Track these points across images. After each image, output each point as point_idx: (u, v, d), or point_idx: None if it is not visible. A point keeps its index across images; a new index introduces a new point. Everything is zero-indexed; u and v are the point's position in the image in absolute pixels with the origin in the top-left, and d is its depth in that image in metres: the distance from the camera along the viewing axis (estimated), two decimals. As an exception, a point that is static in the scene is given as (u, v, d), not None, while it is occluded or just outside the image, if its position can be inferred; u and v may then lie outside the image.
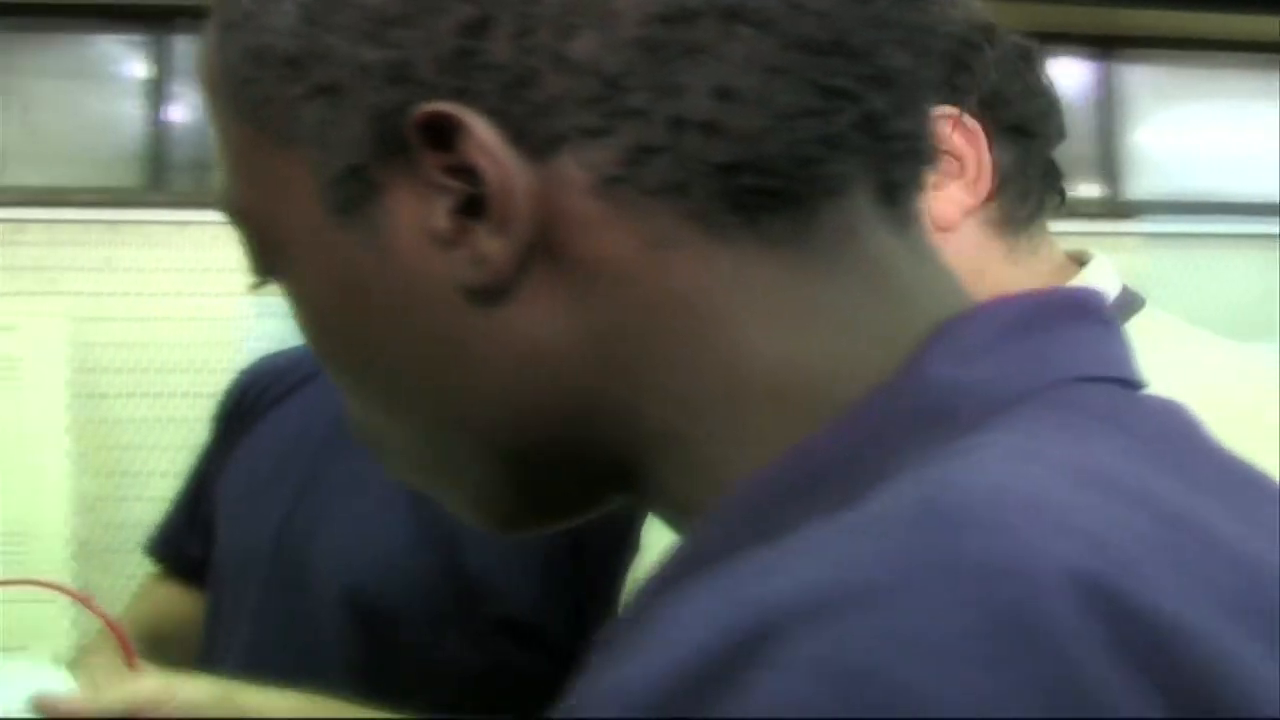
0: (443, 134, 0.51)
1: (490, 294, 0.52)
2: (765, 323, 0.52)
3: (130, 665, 1.33)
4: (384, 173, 0.53)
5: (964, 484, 0.42)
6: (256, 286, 0.59)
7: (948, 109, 1.03)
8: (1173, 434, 0.52)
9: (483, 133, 0.50)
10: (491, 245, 0.51)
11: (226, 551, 1.59)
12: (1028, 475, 0.43)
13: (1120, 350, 0.55)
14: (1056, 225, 1.11)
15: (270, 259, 0.58)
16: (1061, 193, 1.10)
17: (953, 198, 1.03)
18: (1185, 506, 0.44)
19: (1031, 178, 1.07)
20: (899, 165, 0.54)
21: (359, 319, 0.56)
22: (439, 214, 0.52)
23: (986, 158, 1.04)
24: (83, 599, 1.27)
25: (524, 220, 0.51)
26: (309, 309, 0.58)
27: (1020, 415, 0.48)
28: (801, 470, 0.50)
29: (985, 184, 1.04)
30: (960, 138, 1.03)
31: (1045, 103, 1.07)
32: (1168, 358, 1.03)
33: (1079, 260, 1.10)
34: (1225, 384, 1.01)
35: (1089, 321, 0.54)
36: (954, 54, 1.03)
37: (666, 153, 0.50)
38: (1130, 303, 1.08)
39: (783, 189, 0.51)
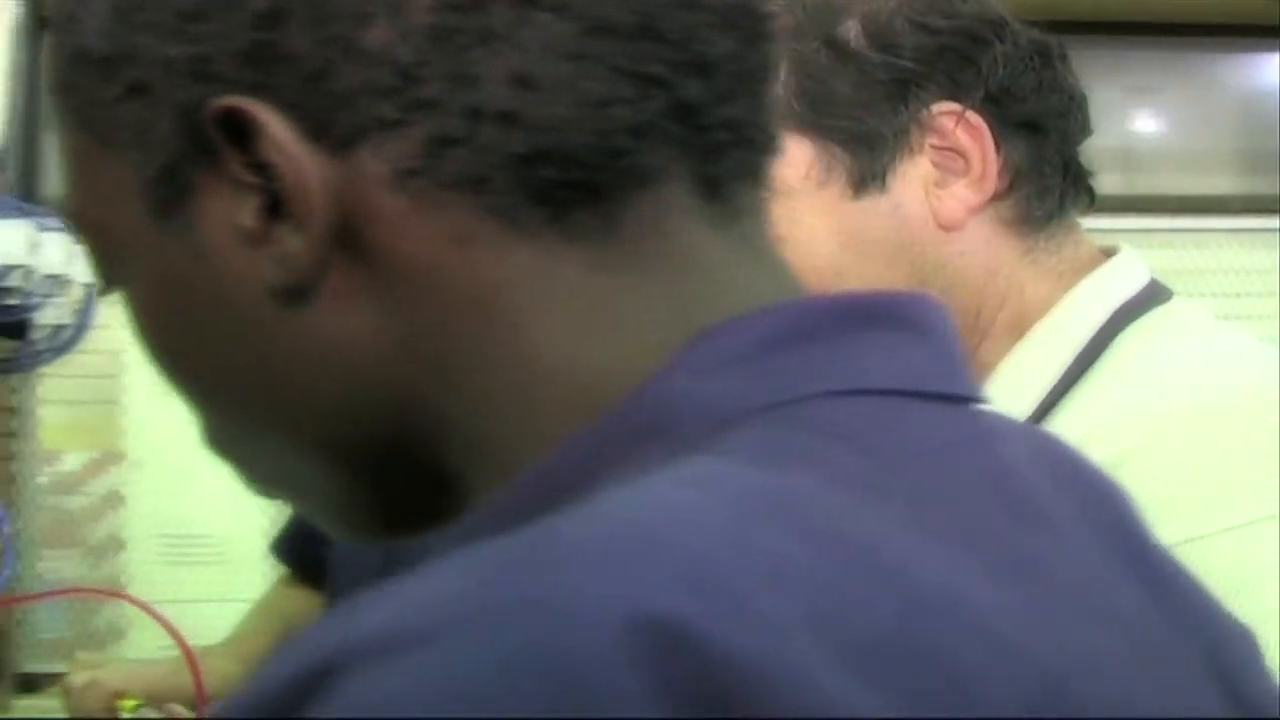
0: (242, 130, 0.50)
1: (297, 293, 0.51)
2: (563, 322, 0.50)
3: (192, 669, 1.36)
4: (196, 173, 0.52)
5: (591, 517, 0.41)
6: (102, 293, 0.58)
7: (950, 105, 1.02)
8: (942, 453, 0.49)
9: (276, 128, 0.49)
10: (293, 243, 0.50)
11: (339, 560, 1.63)
12: (675, 506, 0.42)
13: (921, 360, 0.52)
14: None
15: (109, 266, 0.57)
16: (1090, 190, 1.07)
17: (957, 195, 1.02)
18: (875, 540, 0.43)
19: (1049, 175, 1.04)
20: (721, 157, 0.52)
21: (184, 325, 0.55)
22: (246, 213, 0.51)
23: (993, 155, 1.02)
24: (142, 605, 1.32)
25: (322, 216, 0.50)
26: (142, 316, 0.57)
27: (738, 433, 0.46)
28: (531, 487, 0.48)
29: (991, 182, 1.02)
30: (964, 134, 1.01)
31: (1062, 99, 1.04)
32: (1179, 354, 1.00)
33: (1109, 255, 1.08)
34: (1237, 383, 0.98)
35: (883, 329, 0.51)
36: (958, 49, 1.01)
37: (464, 144, 0.49)
38: (1155, 295, 1.05)
39: (587, 181, 0.50)
